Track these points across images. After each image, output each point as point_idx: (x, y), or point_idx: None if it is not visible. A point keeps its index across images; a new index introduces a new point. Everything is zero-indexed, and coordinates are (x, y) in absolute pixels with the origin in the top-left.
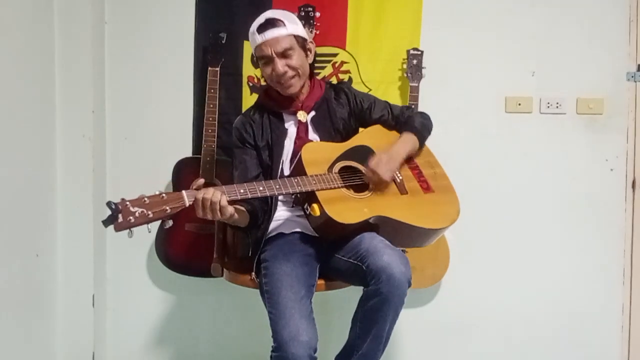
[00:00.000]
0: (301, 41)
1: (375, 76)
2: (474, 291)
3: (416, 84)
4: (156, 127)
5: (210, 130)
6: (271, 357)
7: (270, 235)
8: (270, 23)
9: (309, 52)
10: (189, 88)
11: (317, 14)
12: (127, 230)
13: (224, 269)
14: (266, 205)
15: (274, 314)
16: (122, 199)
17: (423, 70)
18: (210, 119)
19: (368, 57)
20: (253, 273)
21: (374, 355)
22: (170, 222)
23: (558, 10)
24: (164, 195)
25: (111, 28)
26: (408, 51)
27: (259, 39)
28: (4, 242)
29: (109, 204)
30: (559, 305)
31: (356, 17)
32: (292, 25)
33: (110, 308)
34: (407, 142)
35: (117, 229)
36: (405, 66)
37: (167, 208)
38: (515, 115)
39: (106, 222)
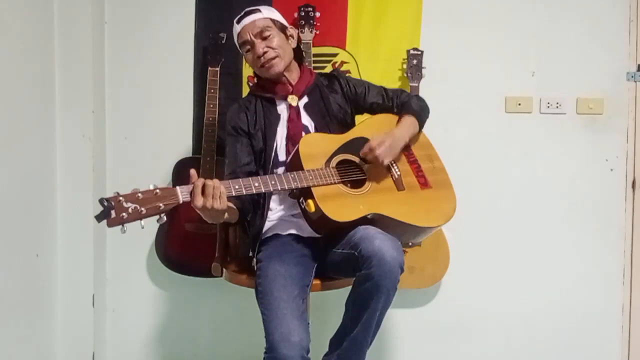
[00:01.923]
0: (279, 25)
1: (375, 76)
2: (474, 291)
3: (416, 84)
4: (156, 127)
5: (210, 130)
6: (264, 358)
7: (265, 236)
8: (247, 12)
9: (290, 38)
10: (189, 88)
11: (317, 14)
12: (120, 226)
13: (224, 269)
14: (256, 195)
15: (266, 314)
16: (116, 193)
17: (423, 70)
18: (210, 119)
19: (368, 57)
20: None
21: (364, 340)
22: (164, 218)
23: (558, 10)
24: (157, 191)
25: (111, 28)
26: (408, 51)
27: (238, 27)
28: (4, 242)
29: (101, 200)
30: (558, 305)
31: (356, 17)
32: (267, 11)
33: (110, 308)
34: (407, 125)
35: (110, 225)
36: (405, 66)
37: (161, 205)
38: (515, 115)
39: (99, 218)
